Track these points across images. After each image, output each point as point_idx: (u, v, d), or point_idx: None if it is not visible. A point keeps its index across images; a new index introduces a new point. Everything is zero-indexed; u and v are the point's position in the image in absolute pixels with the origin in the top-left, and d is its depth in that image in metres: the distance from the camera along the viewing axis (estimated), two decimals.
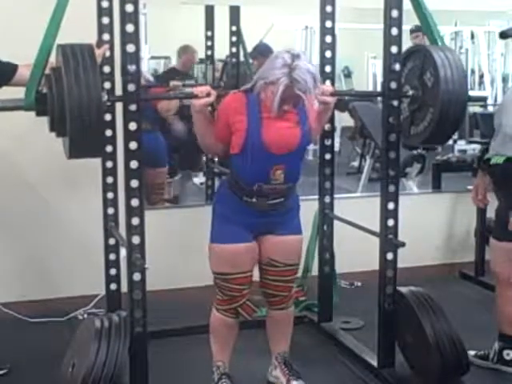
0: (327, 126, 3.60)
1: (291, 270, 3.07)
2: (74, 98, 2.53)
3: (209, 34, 4.60)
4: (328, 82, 3.08)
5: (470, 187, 4.02)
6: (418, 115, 3.10)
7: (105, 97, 2.71)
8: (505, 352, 3.32)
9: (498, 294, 3.34)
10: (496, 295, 3.36)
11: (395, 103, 3.12)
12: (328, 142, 3.64)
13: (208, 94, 2.80)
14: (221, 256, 2.96)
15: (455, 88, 2.92)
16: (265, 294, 3.12)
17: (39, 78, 2.81)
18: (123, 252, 3.15)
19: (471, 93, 3.23)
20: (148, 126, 4.62)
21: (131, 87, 2.75)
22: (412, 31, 5.34)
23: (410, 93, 3.10)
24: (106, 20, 3.21)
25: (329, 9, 3.50)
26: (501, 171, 3.02)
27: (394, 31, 3.07)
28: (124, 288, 3.15)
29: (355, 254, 4.54)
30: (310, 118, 2.94)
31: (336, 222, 3.72)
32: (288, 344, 3.21)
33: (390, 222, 3.20)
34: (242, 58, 4.55)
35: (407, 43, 3.18)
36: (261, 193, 2.90)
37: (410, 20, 3.37)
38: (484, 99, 3.32)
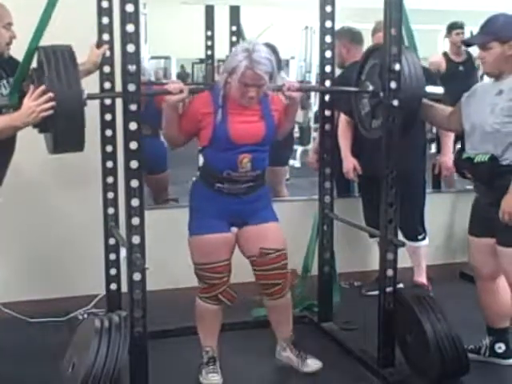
0: (327, 127, 3.61)
1: (282, 254, 3.19)
2: (55, 94, 2.66)
3: (209, 33, 4.59)
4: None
5: (469, 187, 4.03)
6: (378, 109, 3.25)
7: (85, 94, 2.78)
8: (496, 345, 3.35)
9: (481, 289, 3.34)
10: (479, 290, 3.36)
11: (395, 103, 3.13)
12: (328, 143, 3.64)
13: (181, 91, 2.93)
14: (198, 247, 3.11)
15: (413, 84, 3.13)
16: (263, 286, 3.24)
17: (23, 78, 2.89)
18: (123, 252, 3.16)
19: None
20: (148, 130, 4.66)
21: (131, 87, 2.75)
22: (453, 28, 5.19)
23: (371, 88, 3.23)
24: (105, 20, 3.22)
25: (329, 9, 3.50)
26: (488, 169, 3.04)
27: (394, 31, 3.07)
28: (124, 288, 3.15)
29: (355, 253, 4.55)
30: (275, 113, 3.12)
31: (336, 222, 3.72)
32: (291, 327, 3.38)
33: (390, 222, 3.20)
34: None
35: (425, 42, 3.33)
36: (231, 179, 3.05)
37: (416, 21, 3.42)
38: (439, 95, 3.51)
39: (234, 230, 3.17)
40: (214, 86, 3.05)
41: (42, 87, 2.79)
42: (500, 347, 3.35)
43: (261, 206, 3.18)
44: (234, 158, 3.02)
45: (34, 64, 3.01)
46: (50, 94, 2.76)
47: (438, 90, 3.42)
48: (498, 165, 3.03)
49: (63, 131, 2.73)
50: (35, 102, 2.79)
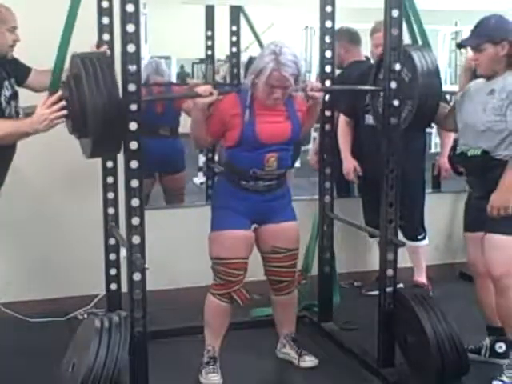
0: (327, 127, 3.61)
1: (293, 254, 3.29)
2: (96, 100, 2.64)
3: (209, 33, 4.59)
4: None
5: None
6: None
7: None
8: (497, 345, 3.35)
9: (480, 287, 3.34)
10: (477, 288, 3.36)
11: (396, 103, 3.13)
12: (328, 143, 3.64)
13: (210, 93, 2.98)
14: (218, 241, 3.15)
15: (431, 82, 3.17)
16: (271, 282, 3.33)
17: (56, 88, 2.93)
18: (123, 252, 3.16)
19: None
20: (167, 131, 4.69)
21: (131, 87, 2.75)
22: None
23: None
24: (106, 20, 3.22)
25: (329, 9, 3.51)
26: (481, 162, 3.11)
27: (395, 31, 3.08)
28: (124, 288, 3.15)
29: (355, 254, 4.55)
30: (299, 114, 3.17)
31: (336, 222, 3.72)
32: (294, 324, 3.46)
33: (390, 222, 3.20)
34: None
35: None
36: (256, 177, 3.12)
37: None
38: (454, 93, 3.59)
39: (254, 226, 3.23)
40: (241, 88, 3.12)
41: (57, 94, 2.81)
42: (501, 347, 3.34)
43: (282, 204, 3.25)
44: (261, 157, 3.09)
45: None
46: (63, 103, 2.78)
47: (454, 87, 3.49)
48: (491, 158, 3.08)
49: (103, 136, 2.72)
50: (48, 110, 2.80)
